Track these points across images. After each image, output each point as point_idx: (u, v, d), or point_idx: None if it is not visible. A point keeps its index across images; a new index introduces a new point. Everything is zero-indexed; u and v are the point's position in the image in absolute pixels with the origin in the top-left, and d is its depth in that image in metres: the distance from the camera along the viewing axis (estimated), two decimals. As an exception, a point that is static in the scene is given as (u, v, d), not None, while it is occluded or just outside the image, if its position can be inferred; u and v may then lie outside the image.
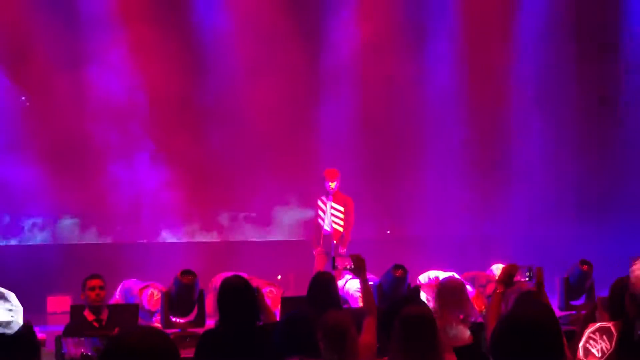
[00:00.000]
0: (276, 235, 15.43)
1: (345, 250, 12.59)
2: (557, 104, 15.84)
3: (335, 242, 12.73)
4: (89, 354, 7.12)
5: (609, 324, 4.59)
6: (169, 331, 9.73)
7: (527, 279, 5.69)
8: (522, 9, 15.96)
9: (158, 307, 11.39)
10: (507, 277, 5.70)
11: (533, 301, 5.60)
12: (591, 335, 4.53)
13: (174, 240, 15.03)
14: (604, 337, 4.50)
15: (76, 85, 14.51)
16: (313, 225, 13.11)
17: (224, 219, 15.42)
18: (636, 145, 15.60)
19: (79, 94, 14.56)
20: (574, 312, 10.28)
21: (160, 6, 14.77)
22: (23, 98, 14.68)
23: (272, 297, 11.17)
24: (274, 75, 14.87)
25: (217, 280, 11.66)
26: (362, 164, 14.84)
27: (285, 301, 9.33)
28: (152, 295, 11.64)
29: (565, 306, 10.42)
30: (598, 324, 4.61)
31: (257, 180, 15.10)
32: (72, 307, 9.11)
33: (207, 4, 15.11)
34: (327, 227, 12.85)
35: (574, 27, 15.71)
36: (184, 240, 15.04)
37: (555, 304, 10.52)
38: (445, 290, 6.17)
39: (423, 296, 9.57)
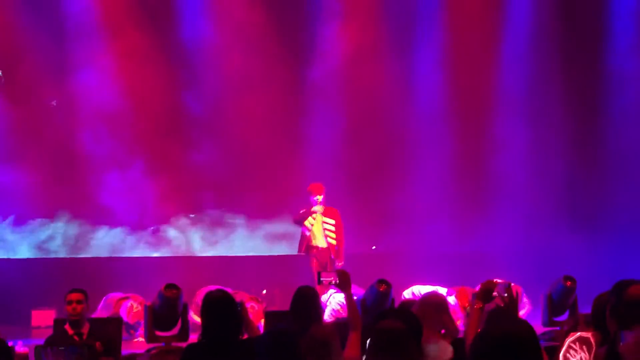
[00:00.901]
0: (262, 249, 15.40)
1: (342, 263, 12.62)
2: (545, 115, 15.87)
3: (332, 256, 12.74)
4: None
5: (588, 335, 4.62)
6: (152, 345, 9.74)
7: (506, 294, 5.73)
8: (508, 20, 16.05)
9: (137, 319, 11.38)
10: (485, 293, 5.73)
11: (508, 315, 5.64)
12: (571, 344, 4.57)
13: (160, 253, 15.01)
14: (584, 347, 4.54)
15: (66, 94, 14.55)
16: (300, 241, 13.05)
17: (208, 231, 15.39)
18: (626, 156, 15.65)
19: (70, 103, 14.59)
20: (557, 327, 10.30)
21: (150, 18, 14.82)
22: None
23: (253, 312, 11.16)
24: (262, 86, 14.91)
25: (200, 295, 11.66)
26: (349, 177, 14.84)
27: (269, 315, 9.34)
28: (131, 308, 11.62)
29: (548, 322, 10.44)
30: (578, 334, 4.64)
31: (245, 192, 15.11)
32: (55, 321, 9.10)
33: (196, 15, 15.15)
34: (322, 243, 12.83)
35: (560, 37, 15.79)
36: (170, 253, 15.01)
37: (538, 319, 10.58)
38: (427, 305, 6.18)
39: None
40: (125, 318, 11.47)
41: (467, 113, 15.60)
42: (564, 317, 10.56)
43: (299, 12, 15.54)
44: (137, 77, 14.61)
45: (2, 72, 14.37)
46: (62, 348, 7.26)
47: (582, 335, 4.63)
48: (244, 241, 15.42)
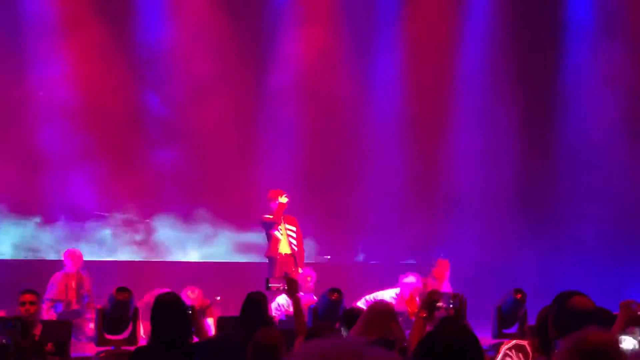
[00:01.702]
0: (219, 255, 15.35)
1: (302, 270, 12.64)
2: (500, 124, 16.00)
3: (296, 262, 12.77)
4: (4, 341, 7.13)
5: (524, 342, 4.70)
6: (102, 348, 9.69)
7: (450, 305, 5.76)
8: (465, 27, 16.22)
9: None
10: (430, 303, 5.80)
11: (452, 323, 5.68)
12: (507, 351, 4.64)
13: (117, 256, 14.93)
14: (520, 355, 4.61)
15: (26, 92, 14.46)
16: (274, 243, 12.95)
17: (166, 236, 15.32)
18: (580, 167, 15.82)
19: (29, 101, 14.50)
20: (506, 339, 10.37)
21: (111, 16, 14.81)
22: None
23: (192, 298, 11.34)
24: (223, 89, 14.90)
25: (147, 298, 11.74)
26: (306, 184, 14.85)
27: (222, 321, 9.36)
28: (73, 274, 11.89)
29: (498, 334, 10.51)
30: (514, 342, 4.72)
31: (206, 195, 15.09)
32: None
33: (157, 16, 15.15)
34: (286, 249, 12.81)
35: (516, 46, 15.98)
36: (126, 257, 14.93)
37: (488, 332, 10.65)
38: (374, 313, 6.20)
39: None
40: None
41: (425, 120, 15.73)
42: (513, 330, 10.64)
43: (260, 17, 15.59)
44: (98, 75, 14.60)
45: None
46: None
47: (518, 342, 4.72)
48: (202, 247, 15.36)
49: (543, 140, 16.18)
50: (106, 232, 15.05)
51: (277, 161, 15.08)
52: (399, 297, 12.33)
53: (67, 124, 14.49)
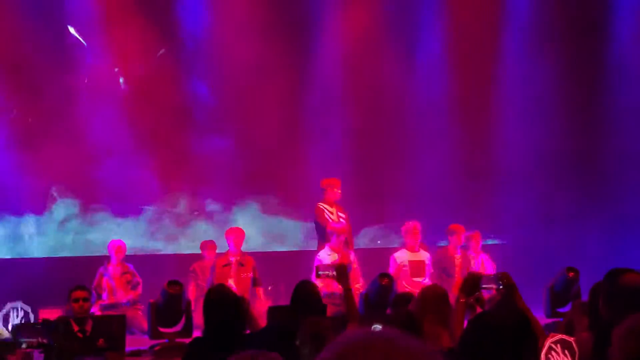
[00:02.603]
0: (272, 245, 15.40)
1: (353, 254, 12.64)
2: (552, 94, 15.80)
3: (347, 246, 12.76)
4: (45, 342, 7.23)
5: (571, 339, 4.62)
6: (156, 341, 9.80)
7: (500, 286, 5.57)
8: (510, 6, 16.07)
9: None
10: (470, 286, 5.64)
11: (506, 305, 5.60)
12: (552, 345, 4.56)
13: (171, 250, 15.02)
14: (566, 351, 4.53)
15: (74, 83, 14.57)
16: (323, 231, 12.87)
17: (212, 225, 15.36)
18: (630, 147, 15.64)
19: (77, 93, 14.62)
20: (560, 319, 10.31)
21: (157, 9, 14.89)
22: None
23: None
24: (267, 76, 14.89)
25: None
26: (353, 172, 14.79)
27: (273, 310, 9.39)
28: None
29: (551, 313, 10.46)
30: (559, 336, 4.62)
31: (252, 184, 15.12)
32: (59, 319, 9.18)
33: (200, 4, 15.23)
34: None
35: (561, 32, 15.80)
36: (173, 249, 15.03)
37: (542, 311, 10.60)
38: (427, 297, 6.13)
39: None
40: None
41: (472, 94, 15.58)
42: (567, 308, 10.55)
43: (303, 0, 15.60)
44: (145, 66, 14.70)
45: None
46: (39, 325, 7.39)
47: (564, 338, 4.63)
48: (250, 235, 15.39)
49: (598, 111, 15.92)
50: (158, 224, 15.16)
51: (327, 145, 15.04)
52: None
53: (118, 115, 14.55)
